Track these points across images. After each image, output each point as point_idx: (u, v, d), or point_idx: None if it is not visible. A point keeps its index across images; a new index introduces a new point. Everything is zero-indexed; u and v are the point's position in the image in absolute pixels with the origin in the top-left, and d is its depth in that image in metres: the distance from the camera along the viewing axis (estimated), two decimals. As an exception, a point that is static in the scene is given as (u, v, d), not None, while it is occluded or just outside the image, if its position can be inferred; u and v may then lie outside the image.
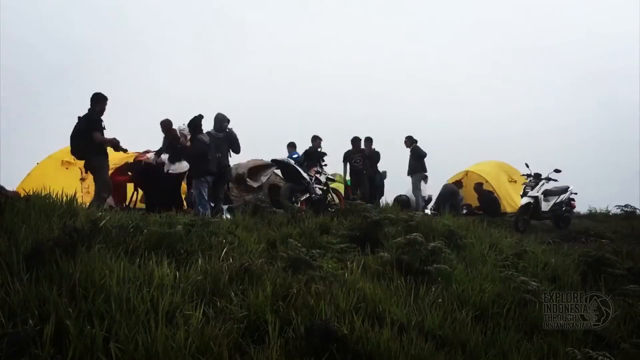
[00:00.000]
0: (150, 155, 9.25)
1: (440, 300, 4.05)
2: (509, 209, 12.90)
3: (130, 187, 9.76)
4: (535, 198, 9.55)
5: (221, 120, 9.06)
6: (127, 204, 9.10)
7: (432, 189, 14.61)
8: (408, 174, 12.38)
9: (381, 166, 12.87)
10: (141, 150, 9.71)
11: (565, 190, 10.27)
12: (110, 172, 9.90)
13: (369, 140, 12.34)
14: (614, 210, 11.59)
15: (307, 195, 9.29)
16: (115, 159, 10.08)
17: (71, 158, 9.77)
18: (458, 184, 14.24)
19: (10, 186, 5.39)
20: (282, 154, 11.27)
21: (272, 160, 10.17)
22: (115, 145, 7.74)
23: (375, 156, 12.37)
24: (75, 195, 5.25)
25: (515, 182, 13.45)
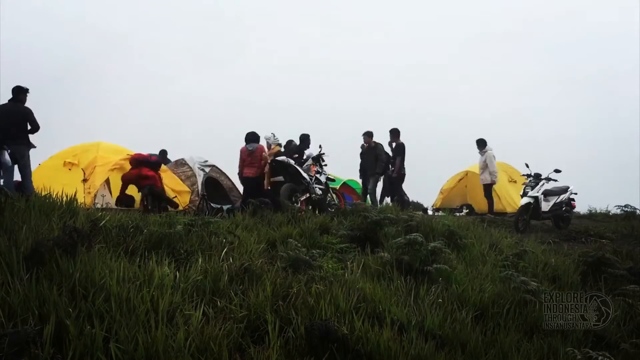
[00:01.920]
0: None
1: (440, 300, 4.05)
2: (509, 209, 12.90)
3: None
4: (535, 198, 9.55)
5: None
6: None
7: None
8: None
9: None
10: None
11: (565, 190, 10.27)
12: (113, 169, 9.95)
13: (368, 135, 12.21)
14: (614, 210, 11.61)
15: (307, 195, 9.28)
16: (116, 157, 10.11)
17: (74, 159, 9.80)
18: None
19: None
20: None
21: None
22: None
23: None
24: (75, 195, 5.25)
25: (515, 182, 13.45)
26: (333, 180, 11.06)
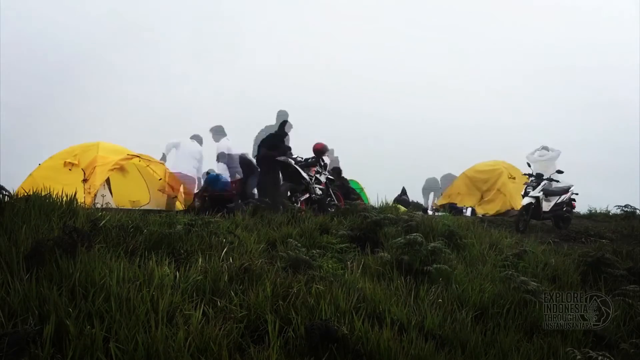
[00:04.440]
0: None
1: (440, 300, 4.05)
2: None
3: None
4: (537, 198, 9.55)
5: None
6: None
7: None
8: None
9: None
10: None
11: (566, 190, 10.26)
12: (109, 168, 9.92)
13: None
14: (614, 210, 11.58)
15: (307, 195, 9.27)
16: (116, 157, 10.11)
17: (74, 159, 9.79)
18: None
19: (12, 187, 5.39)
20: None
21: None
22: None
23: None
24: (75, 195, 5.24)
25: (514, 179, 13.44)
26: (333, 180, 11.04)
